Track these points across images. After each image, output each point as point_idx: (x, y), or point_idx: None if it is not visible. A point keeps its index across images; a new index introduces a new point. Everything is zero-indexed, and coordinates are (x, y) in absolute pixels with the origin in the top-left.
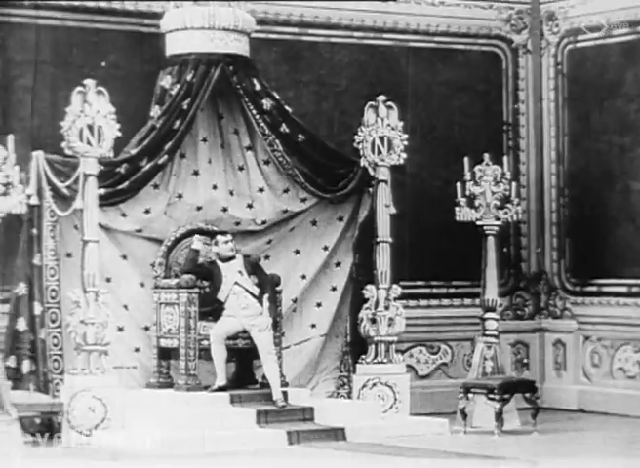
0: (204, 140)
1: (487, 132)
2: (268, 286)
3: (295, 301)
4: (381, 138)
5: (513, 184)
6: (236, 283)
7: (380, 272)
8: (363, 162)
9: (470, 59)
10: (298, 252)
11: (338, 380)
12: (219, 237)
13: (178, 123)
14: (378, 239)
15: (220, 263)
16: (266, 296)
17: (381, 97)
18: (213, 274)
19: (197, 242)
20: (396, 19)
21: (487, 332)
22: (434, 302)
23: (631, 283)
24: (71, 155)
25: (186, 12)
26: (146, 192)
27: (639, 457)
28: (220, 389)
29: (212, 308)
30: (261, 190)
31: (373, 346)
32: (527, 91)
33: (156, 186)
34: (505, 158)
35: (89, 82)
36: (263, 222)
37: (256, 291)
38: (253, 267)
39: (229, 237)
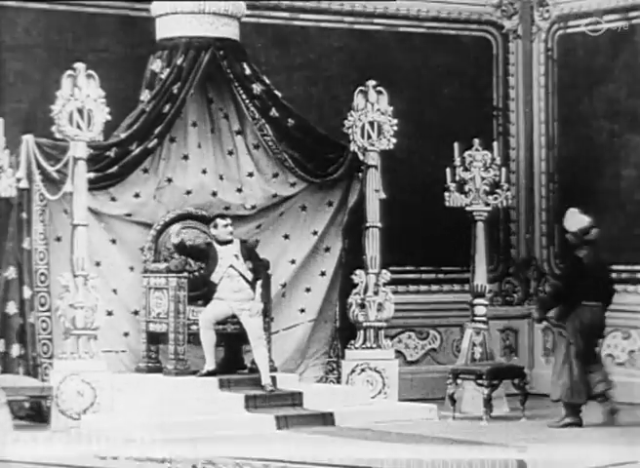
0: (194, 125)
1: (477, 117)
2: (262, 272)
3: (284, 286)
4: (371, 123)
5: (503, 170)
6: (231, 266)
7: (370, 257)
8: (353, 147)
9: (461, 45)
10: (287, 236)
11: (326, 365)
12: (218, 220)
13: (167, 107)
14: (367, 224)
15: (216, 245)
16: (259, 282)
17: (371, 82)
18: (208, 255)
19: (174, 236)
20: (386, 5)
21: (476, 318)
22: (423, 288)
23: (620, 269)
24: (61, 139)
25: None
26: (136, 176)
27: (627, 444)
28: (209, 374)
29: (201, 292)
30: (251, 175)
31: (362, 331)
32: (517, 76)
33: (146, 170)
34: (495, 143)
35: (79, 66)
36: (253, 207)
37: (249, 276)
38: (249, 252)
39: (229, 221)
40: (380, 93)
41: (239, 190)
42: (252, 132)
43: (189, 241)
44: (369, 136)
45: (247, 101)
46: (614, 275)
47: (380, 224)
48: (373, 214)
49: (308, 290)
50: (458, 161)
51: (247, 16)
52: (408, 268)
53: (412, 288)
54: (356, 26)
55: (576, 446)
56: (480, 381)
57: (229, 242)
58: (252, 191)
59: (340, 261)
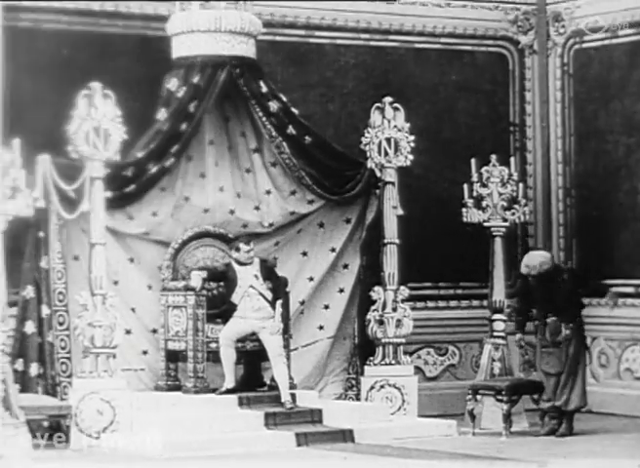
0: (211, 143)
1: (493, 133)
2: (282, 292)
3: (302, 303)
4: (388, 140)
5: (520, 185)
6: (251, 286)
7: (388, 274)
8: (370, 164)
9: (477, 61)
10: (305, 254)
11: (346, 382)
12: (242, 246)
13: (184, 126)
14: (385, 240)
15: (236, 266)
16: (279, 302)
17: (388, 99)
18: (227, 276)
19: (196, 278)
20: (402, 21)
21: (495, 334)
22: (442, 304)
23: (639, 283)
24: (78, 158)
25: (193, 15)
26: (153, 195)
27: None
28: (229, 391)
29: (220, 310)
30: (268, 192)
31: (380, 348)
32: (533, 91)
33: (163, 189)
34: (512, 159)
35: (95, 85)
36: (271, 224)
37: (269, 295)
38: (268, 272)
39: (252, 246)
40: (396, 109)
41: (257, 208)
42: (269, 149)
43: (210, 259)
44: (386, 153)
45: (264, 119)
46: (631, 290)
47: (397, 241)
48: (390, 230)
49: (327, 307)
50: (475, 177)
51: (263, 33)
52: (426, 284)
53: (430, 304)
54: (372, 43)
55: (595, 460)
56: (499, 397)
57: (249, 263)
58: (269, 209)
59: (359, 278)
